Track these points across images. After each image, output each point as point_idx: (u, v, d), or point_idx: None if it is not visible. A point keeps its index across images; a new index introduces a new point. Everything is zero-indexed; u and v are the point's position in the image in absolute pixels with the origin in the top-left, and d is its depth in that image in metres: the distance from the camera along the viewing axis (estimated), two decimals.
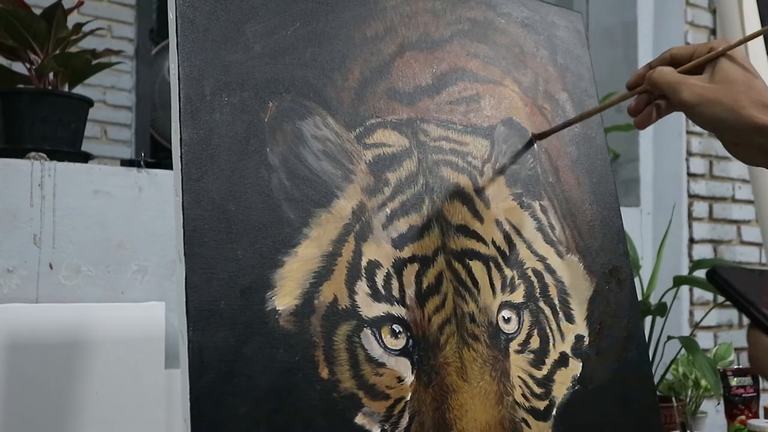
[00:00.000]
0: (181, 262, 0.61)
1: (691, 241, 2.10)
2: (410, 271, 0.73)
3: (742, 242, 2.22)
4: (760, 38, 1.98)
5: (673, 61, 0.74)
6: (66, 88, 1.22)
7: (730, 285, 0.47)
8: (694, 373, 1.54)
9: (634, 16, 2.14)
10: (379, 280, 0.71)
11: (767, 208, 1.90)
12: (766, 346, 0.45)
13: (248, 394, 0.61)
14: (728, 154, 2.22)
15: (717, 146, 2.20)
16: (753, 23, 1.96)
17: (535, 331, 0.80)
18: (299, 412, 0.63)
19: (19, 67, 1.21)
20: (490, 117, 0.85)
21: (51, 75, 1.19)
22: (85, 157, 1.21)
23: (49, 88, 1.18)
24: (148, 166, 1.21)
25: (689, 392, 1.56)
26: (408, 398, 0.69)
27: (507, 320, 0.78)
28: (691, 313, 2.06)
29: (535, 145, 0.88)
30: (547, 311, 0.82)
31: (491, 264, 0.79)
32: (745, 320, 2.31)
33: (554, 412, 0.79)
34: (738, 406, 1.42)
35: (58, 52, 1.18)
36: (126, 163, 1.45)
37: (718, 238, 2.16)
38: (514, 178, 0.84)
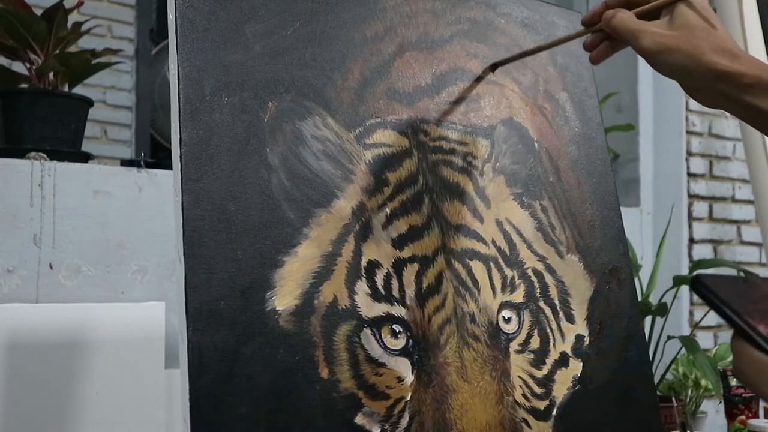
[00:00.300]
0: (180, 262, 0.61)
1: (691, 241, 2.10)
2: (410, 271, 0.73)
3: (742, 242, 2.22)
4: (760, 38, 1.97)
5: (631, 1, 0.73)
6: (66, 88, 1.22)
7: (714, 294, 0.46)
8: (694, 373, 1.54)
9: None
10: (379, 280, 0.71)
11: (767, 208, 1.90)
12: (750, 356, 0.43)
13: (248, 394, 0.61)
14: (728, 154, 2.23)
15: (717, 146, 2.20)
16: (753, 22, 1.96)
17: (536, 331, 0.80)
18: (299, 412, 0.63)
19: (19, 67, 1.21)
20: (490, 117, 0.85)
21: (51, 75, 1.19)
22: (85, 157, 1.21)
23: (49, 88, 1.19)
24: (148, 166, 1.21)
25: (689, 392, 1.56)
26: (408, 398, 0.69)
27: (507, 320, 0.78)
28: (691, 313, 2.06)
29: (536, 144, 0.88)
30: (548, 311, 0.82)
31: (491, 264, 0.79)
32: None
33: (554, 412, 0.79)
34: (738, 406, 1.42)
35: (58, 51, 1.18)
36: (126, 163, 1.45)
37: (718, 238, 2.16)
38: (514, 177, 0.84)
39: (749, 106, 0.64)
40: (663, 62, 0.67)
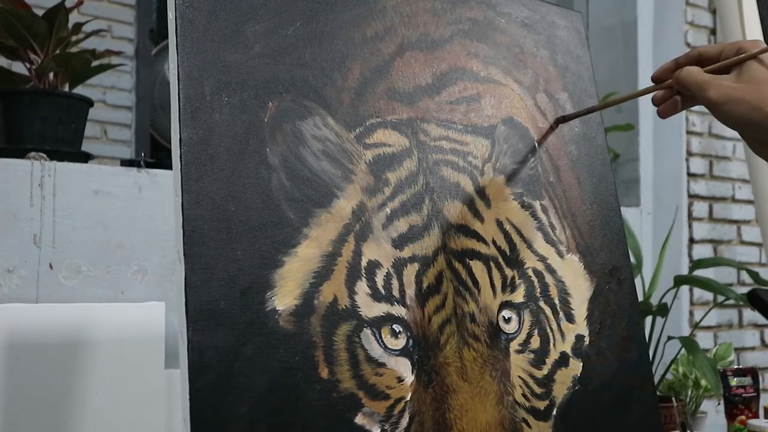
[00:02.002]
0: (180, 263, 0.61)
1: (691, 241, 2.10)
2: (410, 271, 0.73)
3: (742, 242, 2.23)
4: (760, 38, 1.98)
5: (701, 59, 0.74)
6: (66, 88, 1.22)
7: None
8: (694, 373, 1.54)
9: (634, 16, 2.14)
10: (379, 280, 0.71)
11: (767, 208, 1.90)
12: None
13: (248, 394, 0.61)
14: (728, 154, 2.23)
15: (717, 146, 2.20)
16: (753, 23, 1.96)
17: (536, 331, 0.80)
18: (299, 413, 0.63)
19: (19, 67, 1.21)
20: (490, 117, 0.85)
21: (51, 75, 1.19)
22: (85, 157, 1.21)
23: (50, 88, 1.19)
24: (148, 166, 1.21)
25: (689, 392, 1.56)
26: (408, 398, 0.69)
27: (507, 320, 0.78)
28: (691, 313, 2.07)
29: (536, 144, 0.88)
30: (548, 311, 0.82)
31: (491, 264, 0.79)
32: (745, 320, 2.31)
33: (554, 412, 0.79)
34: (738, 406, 1.42)
35: (58, 52, 1.18)
36: (126, 163, 1.45)
37: (718, 238, 2.16)
38: (514, 177, 0.84)
39: None
40: (728, 113, 0.69)
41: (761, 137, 0.68)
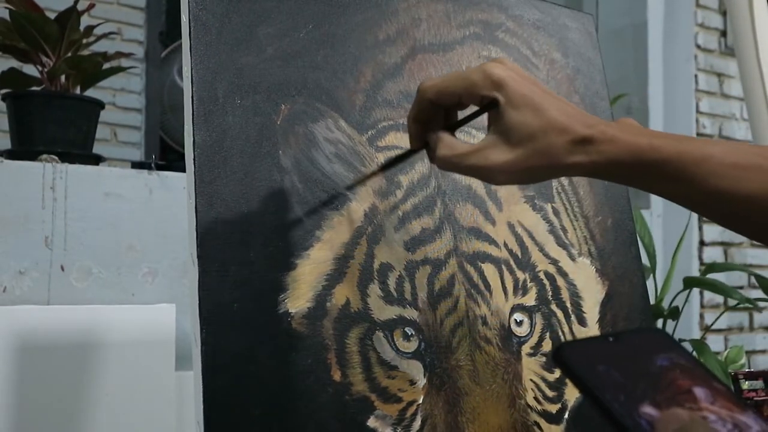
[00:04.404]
0: (194, 265, 0.61)
1: (702, 243, 2.09)
2: (422, 274, 0.73)
3: (753, 245, 2.21)
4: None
5: (435, 108, 0.61)
6: (77, 91, 1.22)
7: (571, 368, 0.40)
8: None
9: (644, 18, 2.14)
10: (392, 282, 0.71)
11: None
12: None
13: (261, 396, 0.61)
14: None
15: None
16: (764, 25, 1.95)
17: (548, 334, 0.80)
18: (312, 415, 0.63)
19: (30, 70, 1.22)
20: None
21: (63, 78, 1.19)
22: (96, 160, 1.21)
23: (61, 90, 1.19)
24: (158, 168, 1.21)
25: None
26: (420, 401, 0.69)
27: (519, 323, 0.78)
28: (701, 316, 2.06)
29: None
30: (560, 314, 0.82)
31: (503, 267, 0.79)
32: (756, 323, 2.30)
33: (566, 416, 0.79)
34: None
35: (69, 54, 1.18)
36: (137, 165, 1.46)
37: (728, 240, 2.15)
38: None
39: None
40: (522, 182, 0.59)
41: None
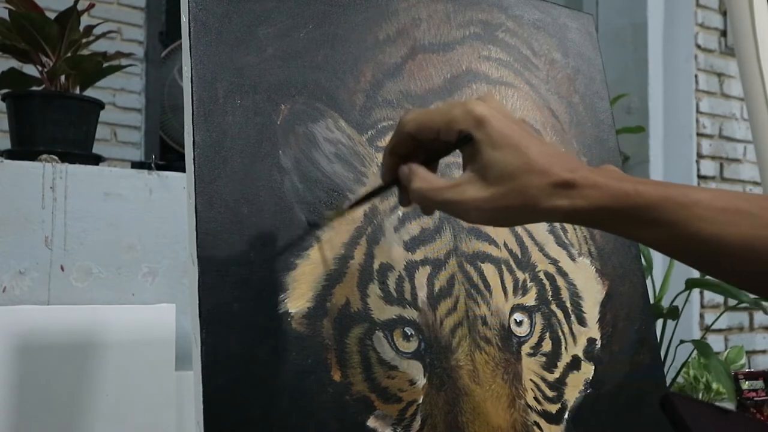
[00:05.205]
0: (194, 265, 0.61)
1: None
2: (422, 274, 0.73)
3: None
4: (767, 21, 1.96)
5: (413, 141, 0.59)
6: (77, 91, 1.22)
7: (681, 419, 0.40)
8: (705, 377, 1.53)
9: (644, 18, 2.14)
10: (391, 282, 0.71)
11: None
12: None
13: (261, 396, 0.61)
14: (739, 157, 2.21)
15: (727, 149, 2.19)
16: (764, 25, 1.95)
17: (547, 334, 0.80)
18: (312, 415, 0.63)
19: (30, 70, 1.21)
20: None
21: (63, 77, 1.19)
22: (97, 160, 1.21)
23: (61, 90, 1.19)
24: (158, 168, 1.21)
25: (701, 395, 1.55)
26: (420, 401, 0.69)
27: (519, 323, 0.78)
28: (701, 316, 2.06)
29: None
30: (559, 314, 0.82)
31: (503, 267, 0.79)
32: (756, 323, 2.30)
33: (566, 416, 0.79)
34: (750, 410, 1.41)
35: (69, 54, 1.18)
36: (137, 165, 1.46)
37: None
38: None
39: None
40: (501, 224, 0.57)
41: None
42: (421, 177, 0.58)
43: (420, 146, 0.60)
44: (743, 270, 0.51)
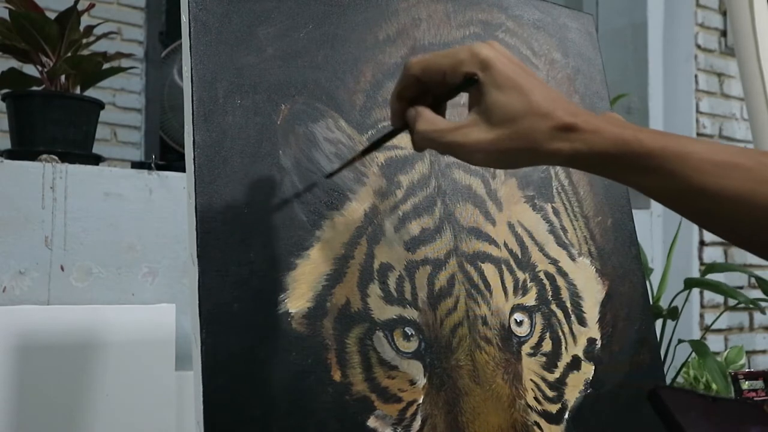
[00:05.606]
0: (194, 265, 0.61)
1: (702, 243, 2.09)
2: (422, 274, 0.73)
3: None
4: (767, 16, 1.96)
5: (419, 85, 0.60)
6: (77, 91, 1.22)
7: (668, 411, 0.40)
8: (705, 376, 1.53)
9: (644, 18, 2.14)
10: (392, 282, 0.71)
11: None
12: None
13: (261, 396, 0.61)
14: None
15: None
16: (764, 25, 1.95)
17: (548, 334, 0.80)
18: (312, 415, 0.63)
19: (30, 70, 1.21)
20: None
21: (63, 78, 1.19)
22: (97, 160, 1.21)
23: (61, 90, 1.19)
24: (158, 168, 1.21)
25: None
26: (420, 401, 0.69)
27: (519, 323, 0.78)
28: (701, 316, 2.06)
29: None
30: (560, 314, 0.82)
31: (503, 267, 0.79)
32: (756, 323, 2.30)
33: (566, 416, 0.79)
34: None
35: (69, 54, 1.18)
36: (137, 165, 1.46)
37: None
38: (526, 180, 0.84)
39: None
40: (502, 166, 0.58)
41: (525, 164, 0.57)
42: (425, 119, 0.58)
43: (426, 89, 0.60)
44: (737, 225, 0.51)
